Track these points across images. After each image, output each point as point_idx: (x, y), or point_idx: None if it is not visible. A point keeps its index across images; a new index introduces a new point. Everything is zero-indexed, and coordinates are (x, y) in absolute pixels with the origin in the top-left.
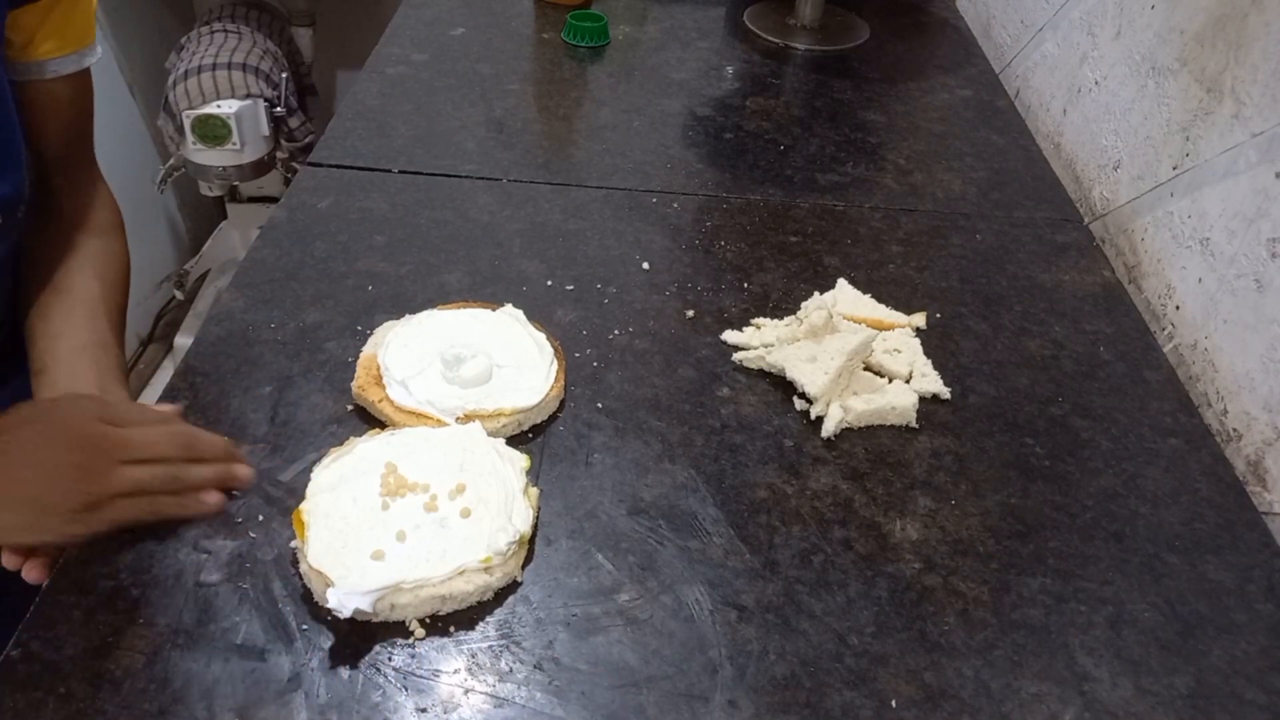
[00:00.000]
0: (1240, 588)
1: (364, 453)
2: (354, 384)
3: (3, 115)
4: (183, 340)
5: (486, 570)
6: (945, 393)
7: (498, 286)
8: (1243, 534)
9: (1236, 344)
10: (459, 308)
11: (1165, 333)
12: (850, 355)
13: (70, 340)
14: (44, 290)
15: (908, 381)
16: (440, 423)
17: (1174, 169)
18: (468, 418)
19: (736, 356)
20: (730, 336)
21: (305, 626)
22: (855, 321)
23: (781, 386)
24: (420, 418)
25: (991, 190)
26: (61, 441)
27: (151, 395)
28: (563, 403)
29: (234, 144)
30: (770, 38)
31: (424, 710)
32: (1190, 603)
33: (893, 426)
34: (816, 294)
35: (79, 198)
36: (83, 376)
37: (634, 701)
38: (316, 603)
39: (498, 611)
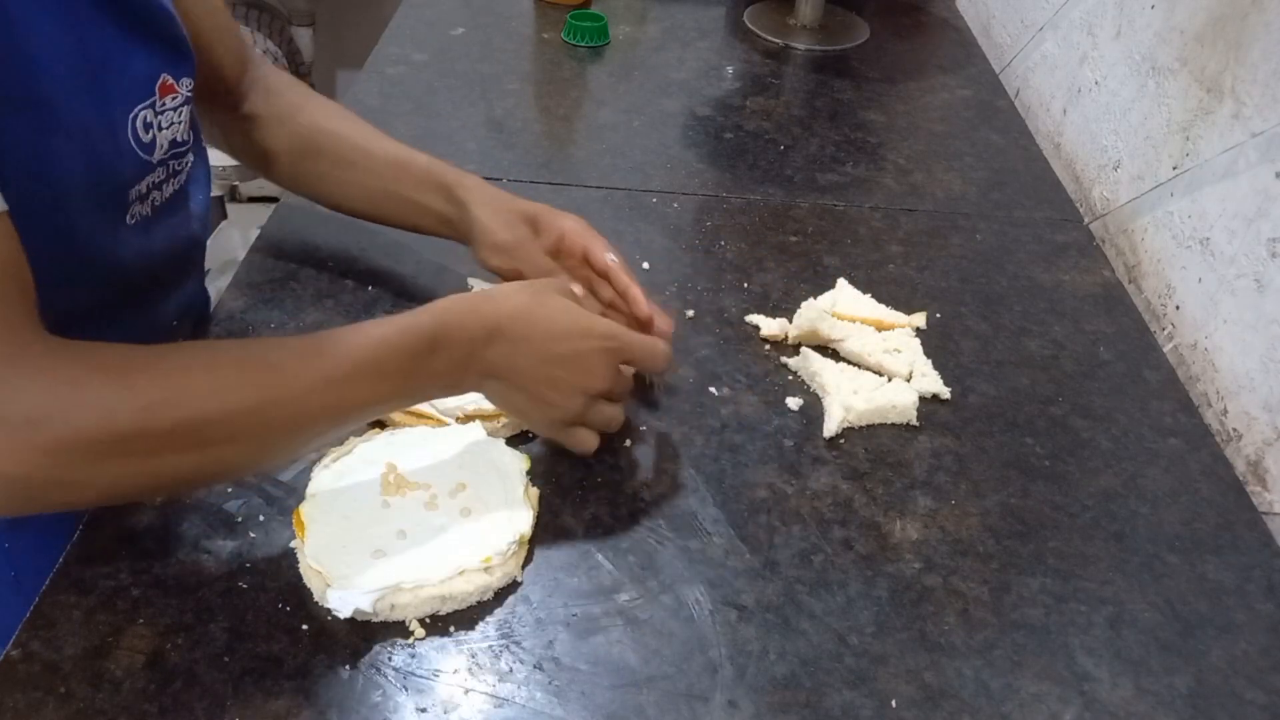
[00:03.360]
0: (1240, 588)
1: (364, 452)
2: None
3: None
4: None
5: (486, 570)
6: (945, 393)
7: None
8: (1243, 534)
9: (1236, 344)
10: None
11: (1165, 333)
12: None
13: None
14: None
15: (908, 381)
16: (440, 423)
17: (1174, 169)
18: (468, 418)
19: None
20: (756, 319)
21: (305, 626)
22: (855, 321)
23: (781, 385)
24: (420, 418)
25: (991, 190)
26: (571, 358)
27: None
28: None
29: None
30: (770, 38)
31: (424, 710)
32: (1190, 603)
33: (893, 426)
34: (812, 298)
35: (276, 79)
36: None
37: (634, 701)
38: (316, 603)
39: (498, 611)
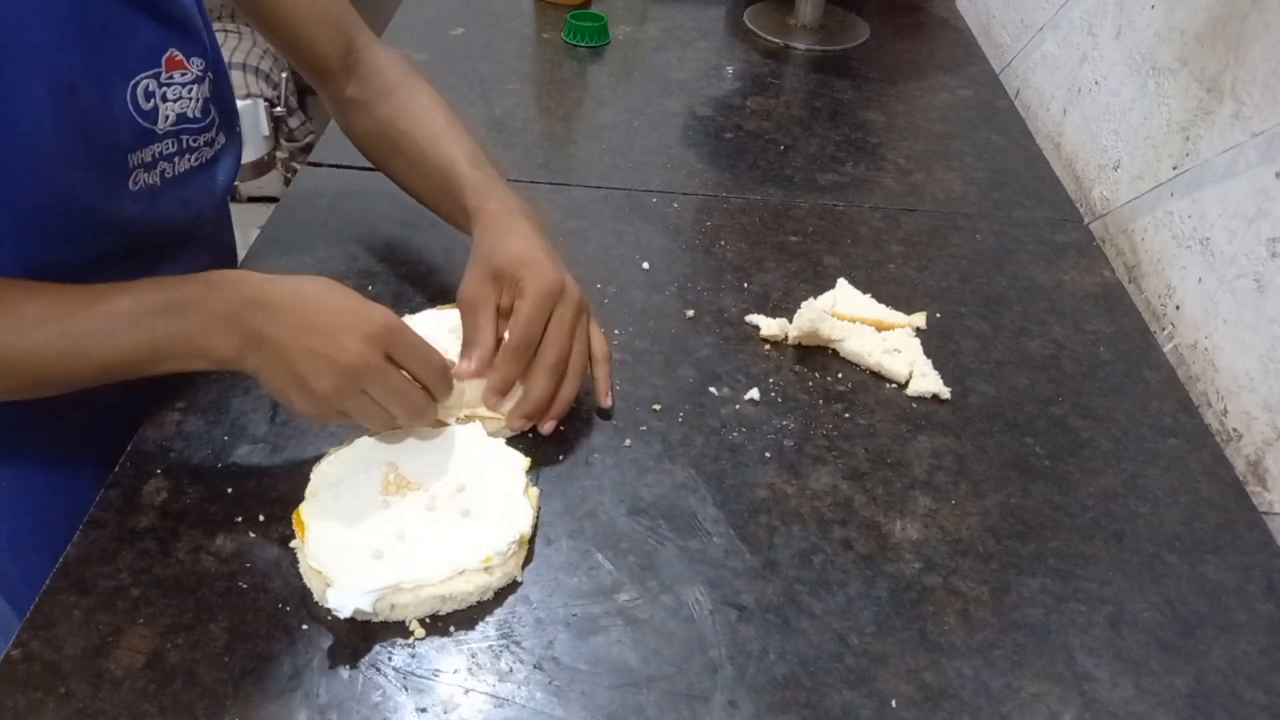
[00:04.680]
0: (1240, 588)
1: (364, 452)
2: None
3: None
4: None
5: (486, 570)
6: (945, 393)
7: None
8: (1243, 534)
9: (1236, 344)
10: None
11: (1165, 333)
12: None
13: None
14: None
15: (907, 383)
16: (440, 423)
17: (1174, 169)
18: (468, 418)
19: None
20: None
21: (305, 626)
22: (855, 321)
23: (781, 385)
24: None
25: (991, 190)
26: (333, 331)
27: None
28: None
29: None
30: (770, 38)
31: (424, 710)
32: (1190, 603)
33: (893, 426)
34: (812, 299)
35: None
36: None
37: (634, 701)
38: (316, 603)
39: (498, 611)
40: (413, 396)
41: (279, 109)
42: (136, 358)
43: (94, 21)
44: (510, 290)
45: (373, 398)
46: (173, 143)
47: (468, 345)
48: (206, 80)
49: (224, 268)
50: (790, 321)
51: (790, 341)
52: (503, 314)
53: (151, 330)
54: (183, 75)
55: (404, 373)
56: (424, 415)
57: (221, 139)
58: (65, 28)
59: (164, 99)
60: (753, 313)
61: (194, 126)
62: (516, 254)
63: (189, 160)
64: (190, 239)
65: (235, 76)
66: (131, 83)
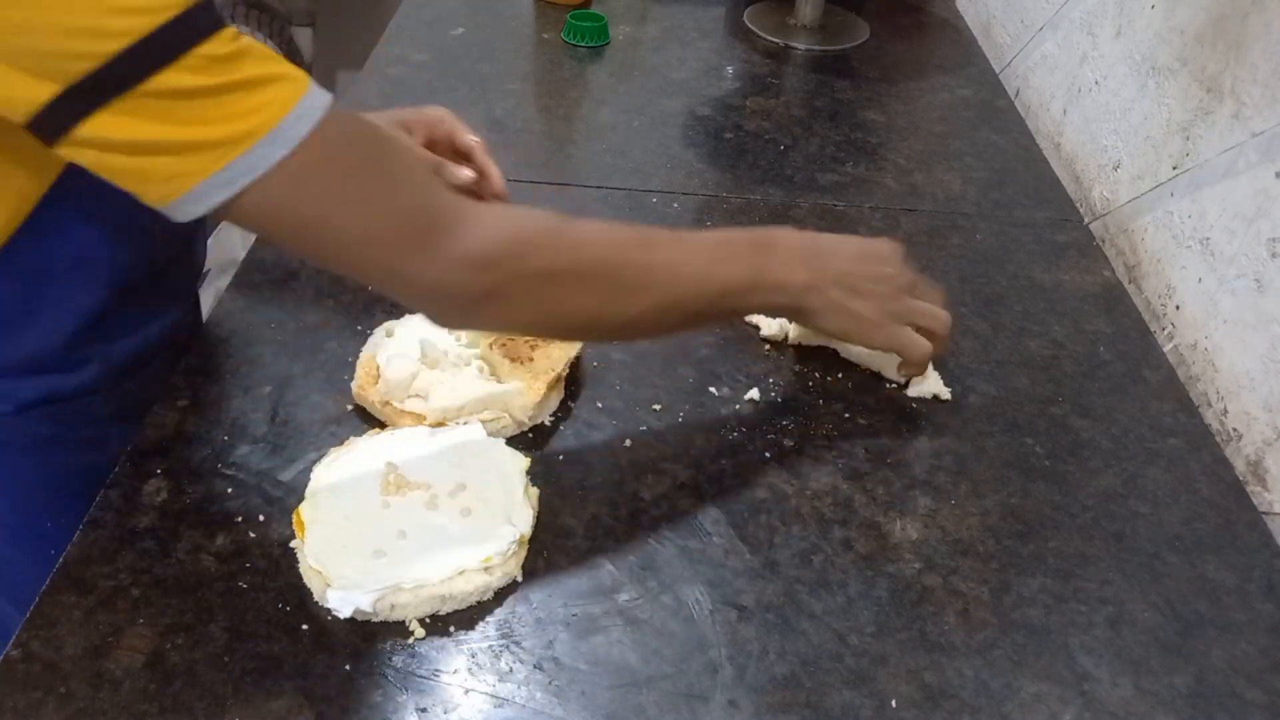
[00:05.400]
0: (1240, 588)
1: (364, 452)
2: (354, 384)
3: None
4: None
5: (486, 570)
6: (945, 393)
7: None
8: (1243, 534)
9: (1236, 344)
10: None
11: (1165, 333)
12: None
13: None
14: None
15: (907, 383)
16: (440, 423)
17: (1174, 169)
18: (468, 417)
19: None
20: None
21: (305, 626)
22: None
23: (781, 385)
24: (419, 418)
25: (991, 190)
26: (880, 257)
27: None
28: (563, 403)
29: None
30: (770, 38)
31: (424, 710)
32: (1190, 603)
33: (893, 426)
34: None
35: None
36: None
37: (634, 701)
38: (316, 602)
39: (498, 611)
40: (938, 312)
41: None
42: (740, 285)
43: None
44: (420, 128)
45: (916, 314)
46: None
47: (439, 165)
48: None
49: (192, 269)
50: (790, 320)
51: (791, 341)
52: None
53: (747, 261)
54: None
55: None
56: (949, 334)
57: None
58: None
59: None
60: (753, 313)
61: None
62: (397, 110)
63: None
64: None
65: None
66: None
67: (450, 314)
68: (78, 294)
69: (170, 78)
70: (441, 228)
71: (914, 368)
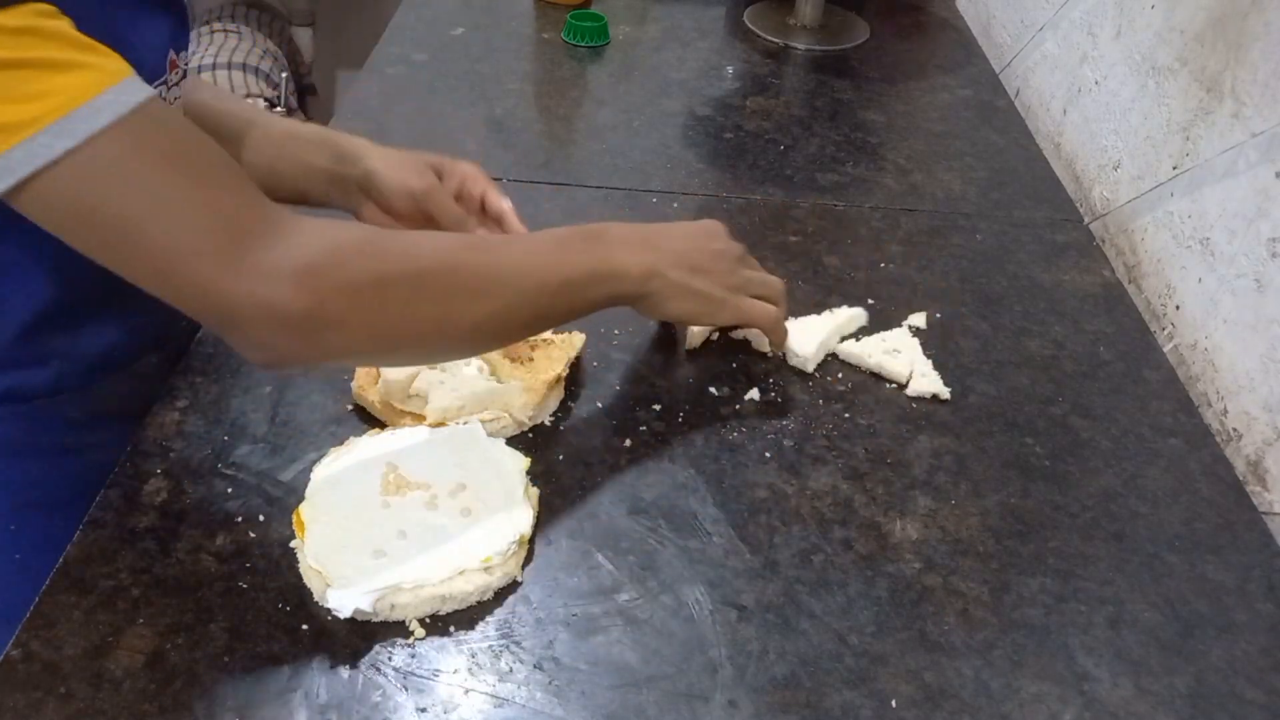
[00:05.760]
0: (1240, 588)
1: (364, 452)
2: (354, 384)
3: None
4: None
5: (486, 570)
6: (945, 393)
7: None
8: (1243, 534)
9: (1236, 344)
10: None
11: (1165, 333)
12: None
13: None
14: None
15: (907, 383)
16: (440, 423)
17: (1174, 169)
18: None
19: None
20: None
21: (305, 626)
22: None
23: (781, 385)
24: (419, 418)
25: (991, 190)
26: (711, 234)
27: None
28: (563, 403)
29: None
30: (770, 38)
31: (424, 710)
32: (1190, 603)
33: (893, 426)
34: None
35: None
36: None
37: (634, 701)
38: (316, 602)
39: (498, 611)
40: (771, 279)
41: (279, 109)
42: (583, 276)
43: (118, 35)
44: (452, 177)
45: (753, 284)
46: None
47: (461, 222)
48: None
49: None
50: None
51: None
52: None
53: (582, 253)
54: (177, 75)
55: None
56: (781, 315)
57: None
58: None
59: (169, 103)
60: None
61: None
62: (430, 154)
63: None
64: None
65: (235, 76)
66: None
67: (274, 342)
68: (23, 288)
69: None
70: (254, 236)
71: (775, 334)
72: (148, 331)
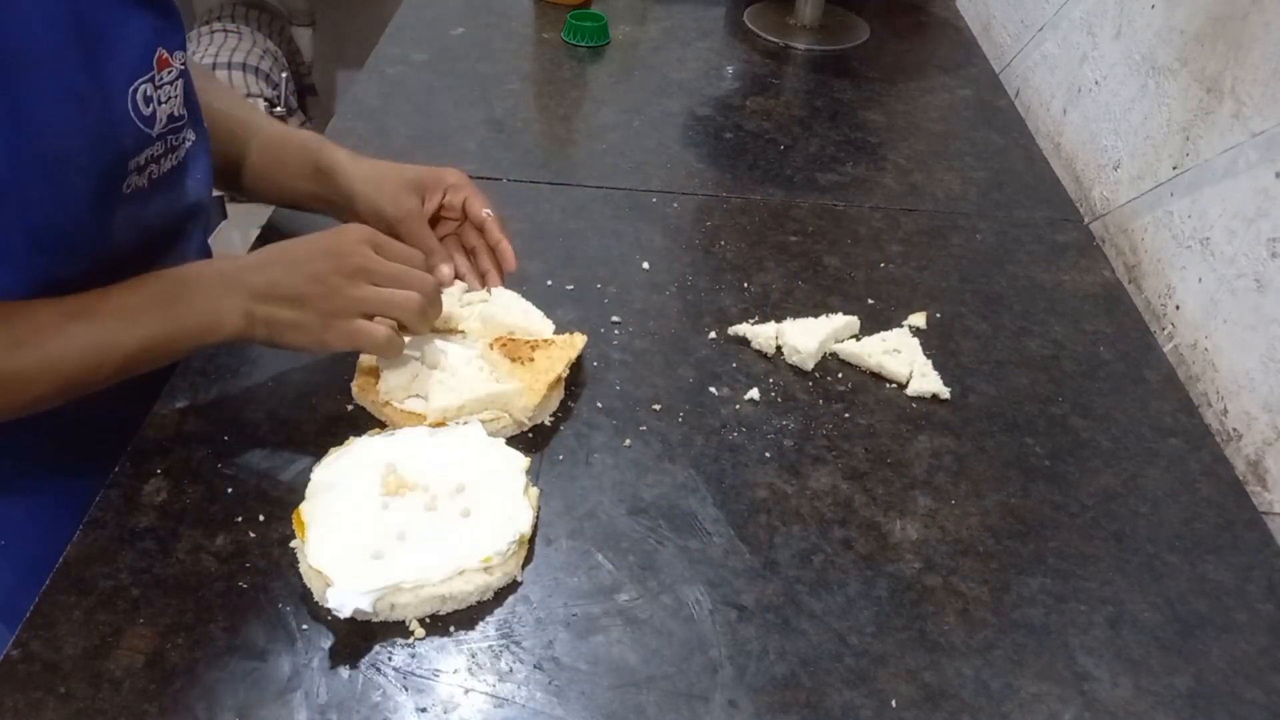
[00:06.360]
0: (1240, 588)
1: (364, 453)
2: (354, 384)
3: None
4: None
5: (486, 570)
6: (945, 393)
7: None
8: (1243, 534)
9: (1236, 344)
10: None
11: (1165, 333)
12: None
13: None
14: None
15: (907, 383)
16: (440, 423)
17: (1174, 169)
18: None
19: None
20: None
21: (305, 626)
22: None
23: (781, 385)
24: (419, 418)
25: (991, 190)
26: (323, 252)
27: None
28: (563, 403)
29: None
30: (770, 38)
31: (424, 710)
32: (1190, 603)
33: (893, 426)
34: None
35: None
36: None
37: (634, 701)
38: (316, 603)
39: (498, 611)
40: (412, 279)
41: (279, 109)
42: (156, 343)
43: (91, 28)
44: (434, 193)
45: (380, 293)
46: (161, 144)
47: (430, 253)
48: (184, 74)
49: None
50: (778, 322)
51: (784, 353)
52: (426, 216)
53: (165, 312)
54: (169, 74)
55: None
56: (426, 310)
57: (192, 135)
58: (66, 35)
59: (159, 101)
60: (753, 314)
61: (178, 125)
62: (413, 169)
63: (172, 160)
64: (173, 240)
65: (235, 76)
66: (131, 88)
67: None
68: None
69: None
70: None
71: (385, 353)
72: None
